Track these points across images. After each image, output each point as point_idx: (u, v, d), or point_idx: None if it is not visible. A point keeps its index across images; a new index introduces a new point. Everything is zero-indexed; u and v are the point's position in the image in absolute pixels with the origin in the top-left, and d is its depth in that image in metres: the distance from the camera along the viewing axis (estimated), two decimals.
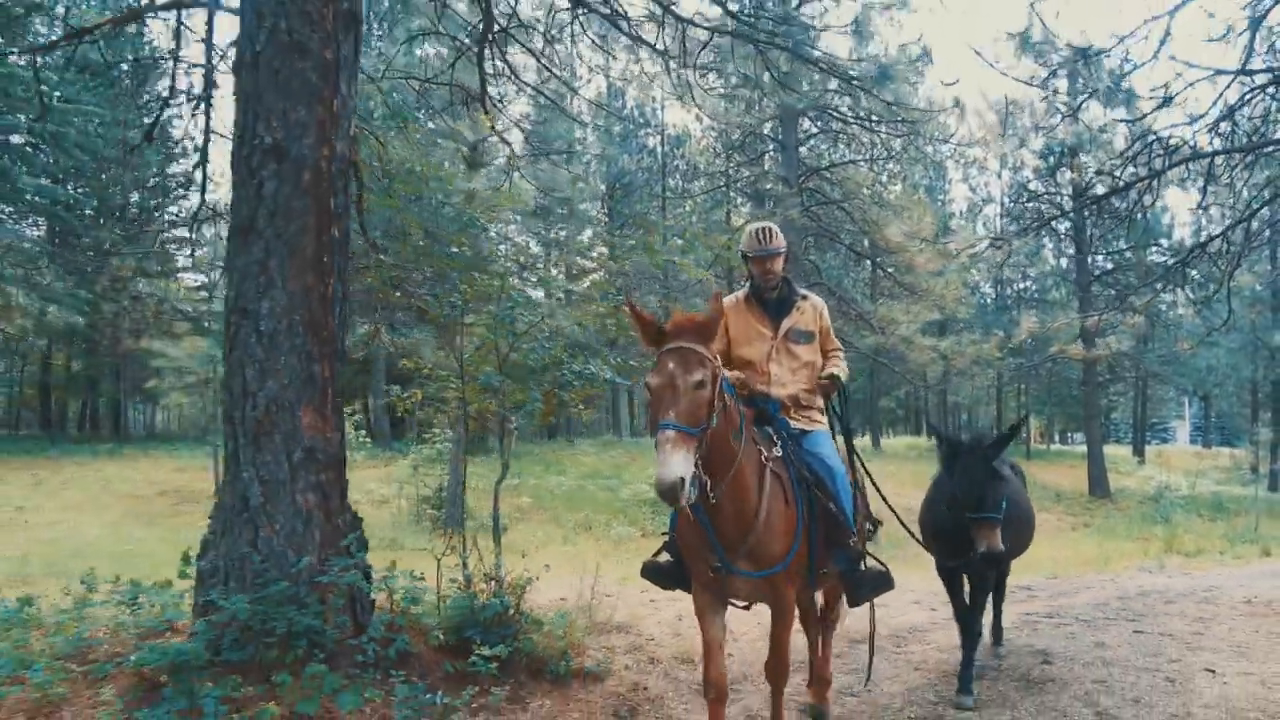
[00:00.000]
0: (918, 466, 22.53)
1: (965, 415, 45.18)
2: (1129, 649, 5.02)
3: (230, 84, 3.67)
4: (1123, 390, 33.87)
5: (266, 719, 2.88)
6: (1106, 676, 4.39)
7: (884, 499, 3.87)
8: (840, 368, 3.58)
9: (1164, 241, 29.02)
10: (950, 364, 18.99)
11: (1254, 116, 7.91)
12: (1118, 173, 8.50)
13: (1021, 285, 33.87)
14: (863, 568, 3.27)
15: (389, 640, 3.37)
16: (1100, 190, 11.15)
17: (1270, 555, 11.39)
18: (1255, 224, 9.60)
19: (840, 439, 3.65)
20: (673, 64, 6.38)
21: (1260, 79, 7.45)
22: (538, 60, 6.36)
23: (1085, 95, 11.48)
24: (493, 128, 6.82)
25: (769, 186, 19.51)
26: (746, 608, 3.30)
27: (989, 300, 33.74)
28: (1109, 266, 24.97)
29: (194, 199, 27.45)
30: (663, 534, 3.38)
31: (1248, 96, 7.69)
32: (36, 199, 20.22)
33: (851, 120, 17.87)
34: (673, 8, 5.25)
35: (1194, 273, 11.15)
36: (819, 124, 19.72)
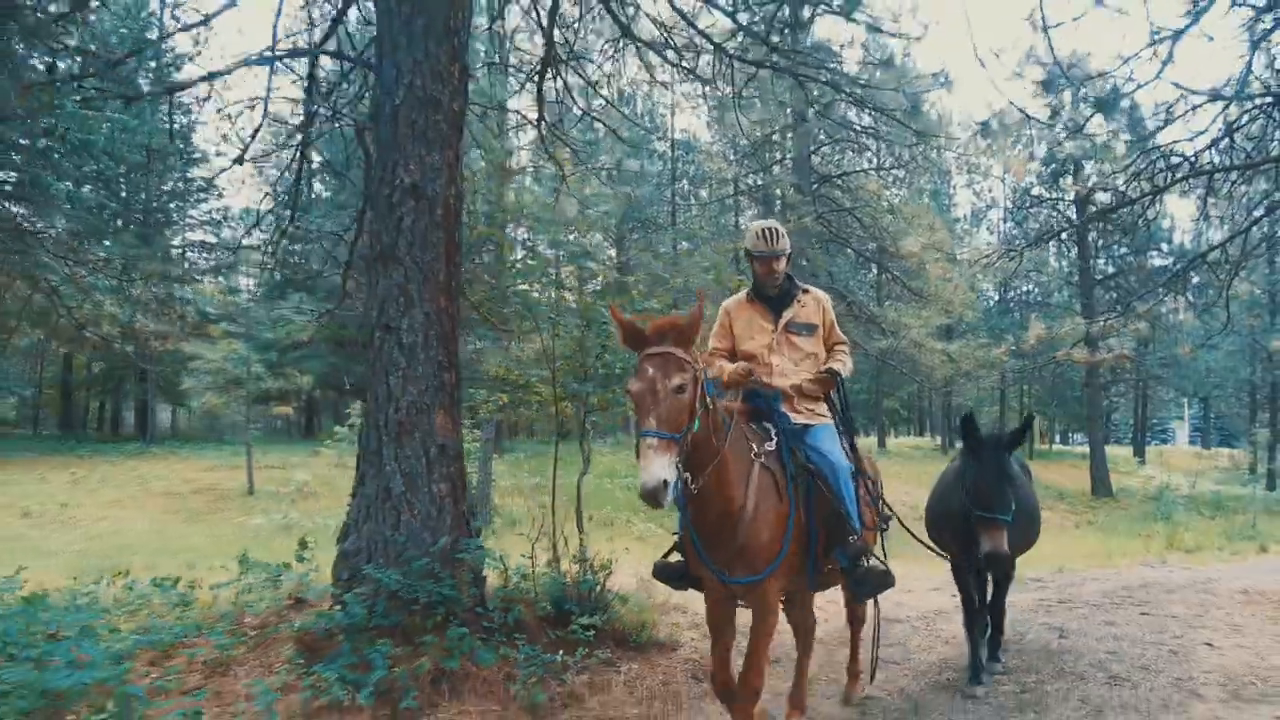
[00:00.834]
0: (923, 466, 23.10)
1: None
2: (1136, 627, 5.58)
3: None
4: (1123, 392, 34.45)
5: (421, 672, 3.45)
6: (1116, 649, 4.96)
7: (886, 504, 3.90)
8: (842, 363, 3.53)
9: (1164, 245, 29.65)
10: (958, 366, 19.56)
11: (1252, 137, 8.44)
12: (1122, 186, 9.07)
13: (1025, 289, 34.45)
14: (864, 565, 3.19)
15: (506, 609, 3.94)
16: (1105, 200, 11.71)
17: (1267, 551, 11.85)
18: (1256, 232, 10.14)
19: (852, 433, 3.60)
20: (704, 86, 6.96)
21: (1258, 100, 7.99)
22: (591, 86, 6.94)
23: (1090, 113, 12.04)
24: (546, 149, 7.39)
25: (779, 193, 20.11)
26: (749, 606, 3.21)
27: (992, 303, 34.32)
28: (1110, 270, 25.58)
29: (211, 202, 28.18)
30: (674, 534, 3.34)
31: (1245, 117, 8.24)
32: (66, 206, 20.81)
33: (861, 130, 18.48)
34: (723, 46, 5.79)
35: (1195, 277, 11.68)
36: (830, 133, 20.30)
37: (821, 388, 3.48)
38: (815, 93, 8.85)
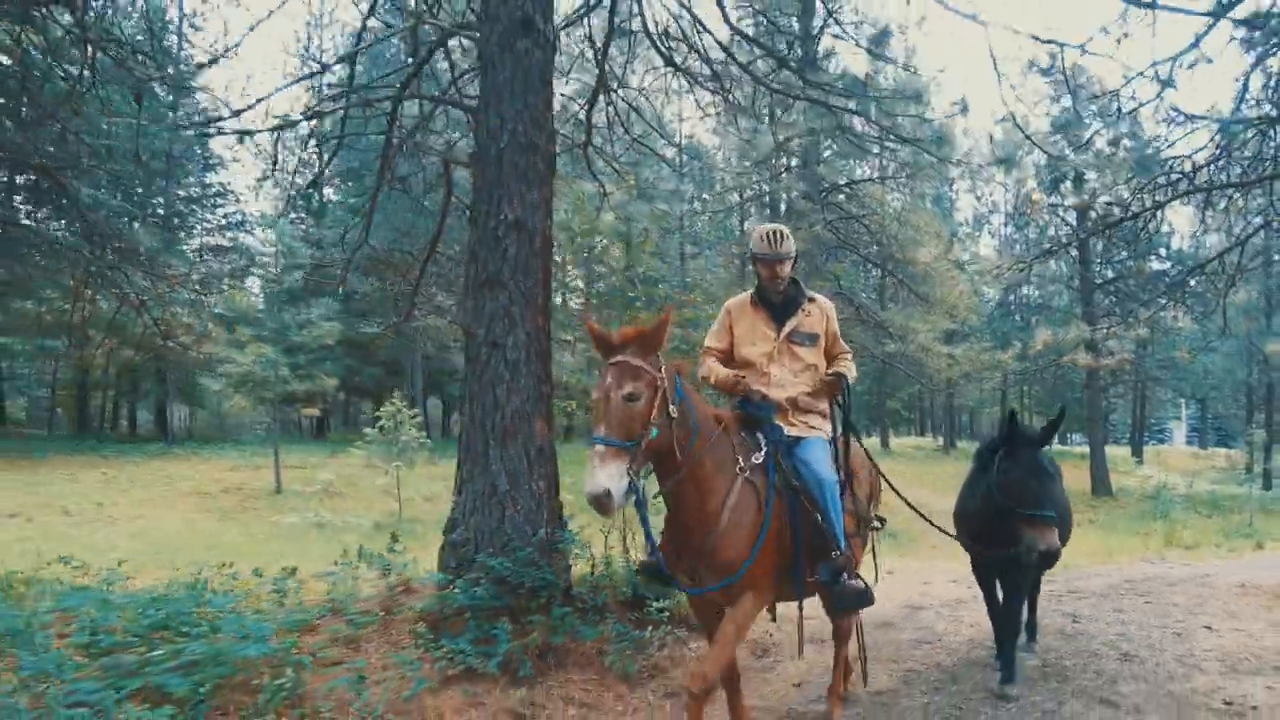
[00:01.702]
0: (925, 466, 23.71)
1: (968, 417, 46.43)
2: (1141, 613, 6.14)
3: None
4: (1122, 393, 35.07)
5: (532, 646, 4.00)
6: (1125, 631, 5.52)
7: (907, 502, 4.07)
8: (847, 368, 3.51)
9: (1163, 250, 30.25)
10: (964, 370, 20.17)
11: (1248, 156, 9.00)
12: (1125, 197, 9.63)
13: (1026, 293, 35.05)
14: (844, 581, 3.17)
15: (595, 593, 4.49)
16: (1103, 212, 12.27)
17: (1263, 548, 12.35)
18: (1253, 242, 10.69)
19: (849, 440, 3.58)
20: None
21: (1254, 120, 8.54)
22: (639, 115, 7.50)
23: (1093, 130, 12.68)
24: (592, 171, 7.95)
25: (786, 201, 20.66)
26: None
27: (993, 306, 34.94)
28: (1110, 275, 26.17)
29: (227, 206, 28.71)
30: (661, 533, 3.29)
31: (1240, 136, 8.80)
32: (89, 213, 21.26)
33: (872, 139, 19.01)
34: (768, 80, 6.35)
35: (1193, 282, 12.24)
36: (839, 144, 20.84)
37: (828, 390, 3.46)
38: (845, 119, 9.43)
